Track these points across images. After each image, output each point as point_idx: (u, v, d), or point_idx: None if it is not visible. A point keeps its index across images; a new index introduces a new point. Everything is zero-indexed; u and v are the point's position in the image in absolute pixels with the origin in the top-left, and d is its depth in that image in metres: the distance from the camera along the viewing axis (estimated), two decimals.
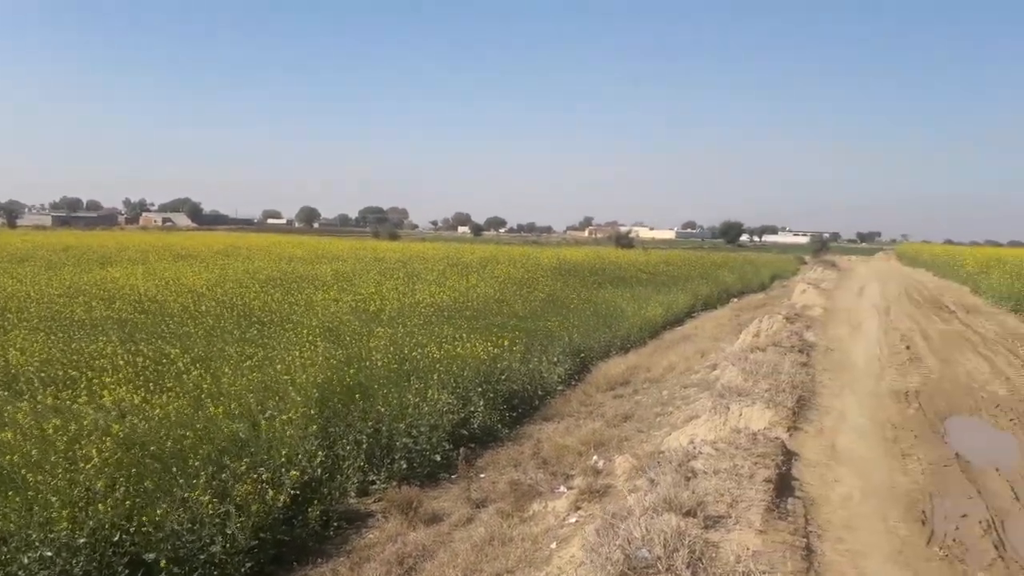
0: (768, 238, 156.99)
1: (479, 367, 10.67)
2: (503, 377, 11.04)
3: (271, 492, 6.45)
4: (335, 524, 7.15)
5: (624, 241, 72.22)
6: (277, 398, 8.41)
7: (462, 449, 8.58)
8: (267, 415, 7.94)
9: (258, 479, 6.58)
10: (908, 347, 13.65)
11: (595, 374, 13.73)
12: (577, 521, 6.26)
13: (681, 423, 8.93)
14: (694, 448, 6.21)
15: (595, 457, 8.34)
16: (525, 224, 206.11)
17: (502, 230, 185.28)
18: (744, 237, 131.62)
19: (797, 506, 5.36)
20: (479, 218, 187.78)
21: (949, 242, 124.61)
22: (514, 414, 10.73)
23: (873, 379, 10.81)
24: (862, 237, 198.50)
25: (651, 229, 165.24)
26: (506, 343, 11.82)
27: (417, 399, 8.87)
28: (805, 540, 4.70)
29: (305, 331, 11.35)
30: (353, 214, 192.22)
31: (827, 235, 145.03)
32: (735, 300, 28.87)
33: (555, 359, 12.98)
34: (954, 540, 5.02)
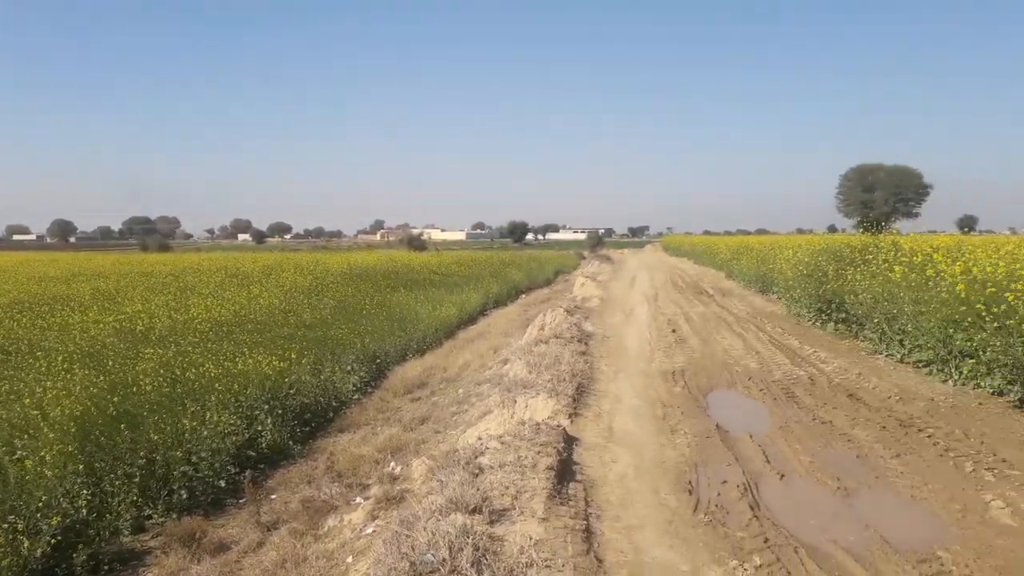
0: (551, 236, 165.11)
1: (264, 383, 10.17)
2: (292, 391, 10.62)
3: (27, 542, 5.74)
4: (106, 567, 6.51)
5: (417, 243, 72.43)
6: (27, 436, 7.47)
7: (248, 471, 8.13)
8: (16, 456, 7.04)
9: (11, 529, 5.82)
10: (674, 330, 14.95)
11: (392, 379, 13.64)
12: (374, 531, 6.16)
13: (476, 420, 9.10)
14: (482, 444, 6.36)
15: (392, 463, 8.28)
16: (313, 229, 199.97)
17: (288, 236, 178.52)
18: (530, 236, 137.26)
19: (578, 490, 5.66)
20: (261, 224, 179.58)
21: (708, 232, 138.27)
22: (307, 428, 10.36)
23: (645, 362, 11.70)
24: (633, 231, 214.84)
25: (443, 231, 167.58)
26: (294, 355, 11.39)
27: (195, 423, 8.27)
28: (585, 522, 4.97)
29: (60, 358, 10.16)
30: (116, 226, 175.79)
31: (602, 231, 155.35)
32: (524, 296, 30.03)
33: (349, 367, 12.73)
34: (717, 506, 5.55)
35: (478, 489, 5.03)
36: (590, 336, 14.07)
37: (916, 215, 72.66)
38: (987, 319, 8.50)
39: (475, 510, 4.72)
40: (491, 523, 4.65)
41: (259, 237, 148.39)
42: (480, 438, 6.79)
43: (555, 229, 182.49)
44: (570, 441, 6.91)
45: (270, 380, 10.31)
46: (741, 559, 4.58)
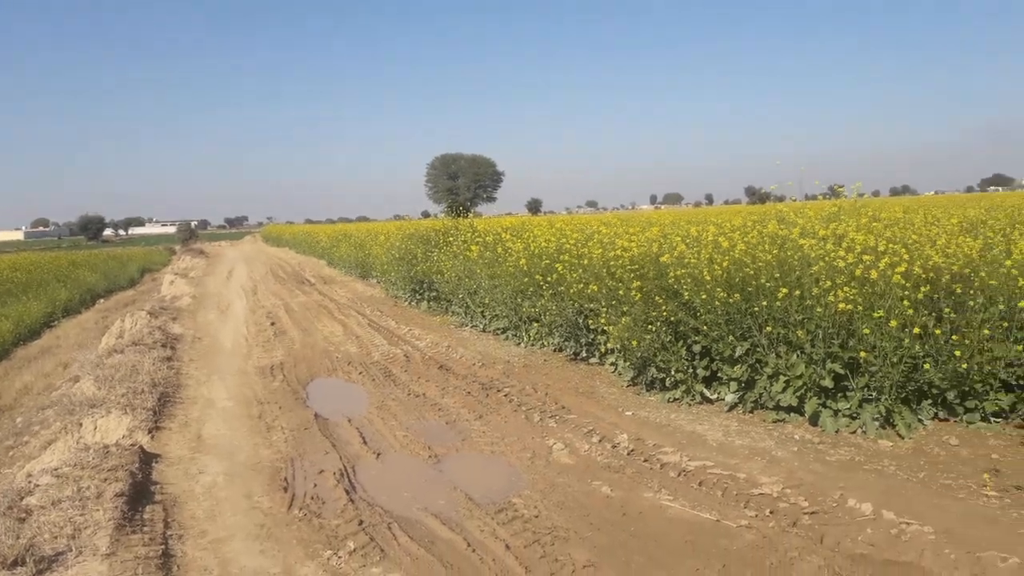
0: (135, 231, 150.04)
1: None
2: None
3: None
4: None
5: None
6: None
7: None
8: None
9: None
10: (273, 323, 14.49)
11: None
12: None
13: (39, 452, 7.71)
14: (31, 482, 5.34)
15: None
16: None
17: None
18: (108, 231, 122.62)
19: (156, 512, 5.06)
20: None
21: (310, 221, 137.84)
22: None
23: (241, 359, 11.11)
24: (231, 222, 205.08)
25: None
26: None
27: None
28: (163, 547, 4.45)
29: None
30: None
31: (196, 223, 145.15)
32: (103, 300, 26.87)
33: None
34: (312, 498, 5.42)
35: (20, 537, 4.17)
36: (179, 338, 12.92)
37: (494, 199, 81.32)
38: (544, 287, 9.73)
39: (16, 562, 3.90)
40: (38, 573, 3.89)
41: None
42: (30, 476, 5.68)
43: (140, 223, 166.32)
44: (149, 459, 6.17)
45: None
46: (335, 548, 4.52)
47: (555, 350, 10.30)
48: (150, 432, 7.01)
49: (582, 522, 4.82)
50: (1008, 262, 5.92)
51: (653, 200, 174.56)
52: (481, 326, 12.58)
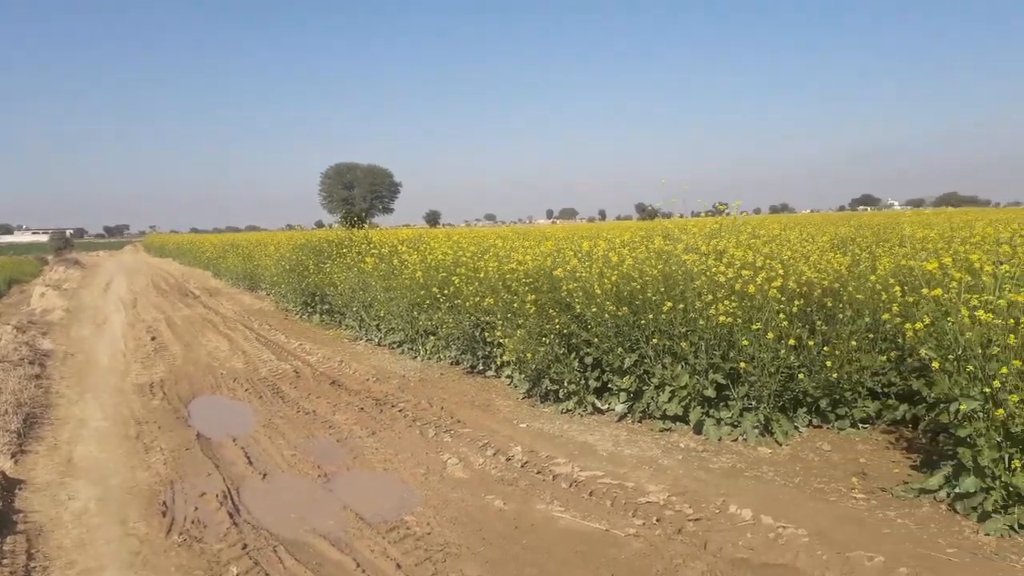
0: (2, 239, 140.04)
1: None
2: None
3: None
4: None
5: None
6: None
7: None
8: None
9: None
10: (154, 338, 13.77)
11: None
12: None
13: None
14: None
15: None
16: None
17: None
18: None
19: (18, 543, 4.67)
20: None
21: (196, 230, 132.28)
22: None
23: (118, 377, 10.48)
24: (110, 231, 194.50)
25: None
26: None
27: None
28: None
29: None
30: None
31: (71, 232, 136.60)
32: None
33: None
34: (193, 522, 5.14)
35: None
36: (49, 354, 12.07)
37: (391, 210, 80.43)
38: (441, 300, 9.69)
39: None
40: None
41: None
42: None
43: (8, 230, 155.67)
44: (12, 485, 5.71)
45: None
46: (217, 573, 4.30)
47: (452, 363, 10.27)
48: (13, 456, 6.48)
49: (475, 537, 4.80)
50: (873, 277, 6.35)
51: (550, 215, 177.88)
52: (376, 340, 12.39)
